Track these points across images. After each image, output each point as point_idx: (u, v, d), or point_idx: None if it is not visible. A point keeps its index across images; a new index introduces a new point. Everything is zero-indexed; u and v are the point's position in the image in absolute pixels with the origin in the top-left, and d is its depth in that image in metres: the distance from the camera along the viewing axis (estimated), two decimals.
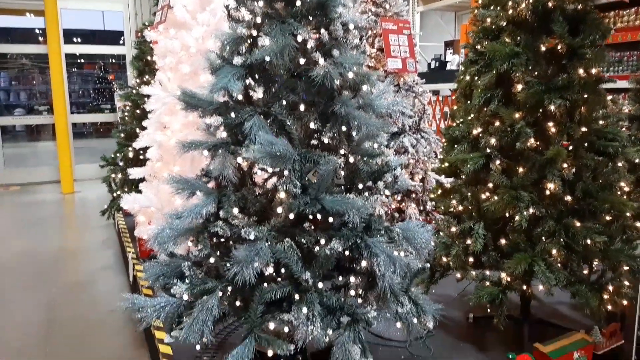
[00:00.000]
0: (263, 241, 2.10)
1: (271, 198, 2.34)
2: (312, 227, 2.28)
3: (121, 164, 5.79)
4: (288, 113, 2.30)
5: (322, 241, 2.19)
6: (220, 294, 2.14)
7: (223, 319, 2.40)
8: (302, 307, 2.08)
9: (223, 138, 2.35)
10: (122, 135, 5.85)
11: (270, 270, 2.13)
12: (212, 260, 2.27)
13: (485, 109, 2.98)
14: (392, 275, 2.22)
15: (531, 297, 3.07)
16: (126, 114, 6.00)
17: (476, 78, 3.05)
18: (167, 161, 3.82)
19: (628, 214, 2.74)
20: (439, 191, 3.55)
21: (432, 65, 9.92)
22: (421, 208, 5.16)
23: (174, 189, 2.28)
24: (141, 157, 4.71)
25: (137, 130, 4.71)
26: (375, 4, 5.08)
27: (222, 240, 2.34)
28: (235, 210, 2.24)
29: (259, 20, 2.31)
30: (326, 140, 2.33)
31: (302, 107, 2.30)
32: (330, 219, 2.21)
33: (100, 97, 14.39)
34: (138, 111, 5.54)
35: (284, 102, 2.31)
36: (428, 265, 3.00)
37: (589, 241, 2.60)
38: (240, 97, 2.31)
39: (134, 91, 5.80)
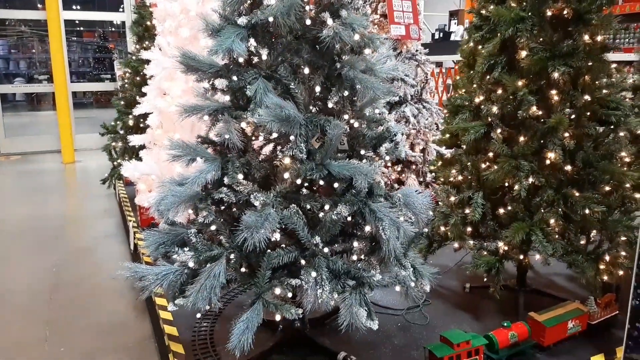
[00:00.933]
0: (269, 207, 2.11)
1: (275, 164, 2.36)
2: (317, 193, 2.31)
3: (121, 132, 5.81)
4: (293, 76, 2.29)
5: (327, 207, 2.21)
6: (226, 260, 2.17)
7: (226, 286, 2.44)
8: (310, 271, 2.12)
9: (225, 102, 2.35)
10: (122, 102, 5.85)
11: (277, 236, 2.16)
12: (214, 227, 2.29)
13: (488, 77, 2.98)
14: (395, 240, 2.26)
15: (528, 267, 3.12)
16: (126, 81, 5.99)
17: (480, 45, 3.03)
18: (168, 128, 3.84)
19: (627, 185, 2.76)
20: (439, 162, 3.58)
21: (436, 36, 9.79)
22: (421, 179, 5.19)
23: (174, 154, 2.26)
24: (141, 124, 4.73)
25: (137, 97, 4.71)
26: None
27: (226, 207, 2.36)
28: (240, 176, 2.26)
29: None
30: (331, 105, 2.34)
31: (306, 70, 2.30)
32: (336, 185, 2.25)
33: (100, 66, 14.33)
34: (138, 78, 5.52)
35: (288, 65, 2.30)
36: (426, 230, 3.05)
37: (587, 211, 2.63)
38: (241, 59, 2.29)
39: (134, 57, 5.77)
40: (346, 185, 2.31)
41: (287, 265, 2.25)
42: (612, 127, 2.78)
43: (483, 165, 3.02)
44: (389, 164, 5.02)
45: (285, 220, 2.15)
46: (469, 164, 3.13)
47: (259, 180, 2.35)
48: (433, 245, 3.32)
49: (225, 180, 2.25)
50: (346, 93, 2.36)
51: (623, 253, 2.71)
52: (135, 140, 4.13)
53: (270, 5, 2.20)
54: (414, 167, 5.10)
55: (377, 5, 4.81)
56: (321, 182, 2.26)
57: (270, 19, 2.19)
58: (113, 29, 14.50)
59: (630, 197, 2.83)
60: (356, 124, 2.45)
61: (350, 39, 2.26)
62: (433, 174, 4.65)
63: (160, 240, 2.30)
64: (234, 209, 2.33)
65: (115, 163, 5.98)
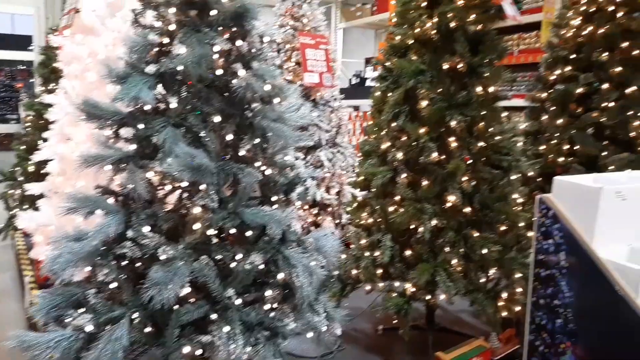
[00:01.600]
0: (178, 260, 2.06)
1: (185, 214, 2.32)
2: (228, 242, 2.31)
3: (21, 178, 5.48)
4: (203, 124, 2.31)
5: (240, 256, 2.21)
6: (129, 321, 2.06)
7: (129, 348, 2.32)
8: (223, 326, 2.08)
9: (130, 151, 2.29)
10: (23, 147, 5.55)
11: (186, 290, 2.10)
12: (115, 285, 2.17)
13: (393, 124, 3.18)
14: (309, 285, 2.28)
15: (435, 307, 3.28)
16: (28, 124, 5.71)
17: (386, 94, 3.24)
18: (70, 176, 3.69)
19: (521, 224, 3.01)
20: (354, 204, 3.72)
21: (353, 81, 10.29)
22: (337, 221, 5.32)
23: (68, 207, 2.14)
24: (42, 171, 4.50)
25: (39, 142, 4.50)
26: (294, 17, 5.23)
27: (129, 262, 2.24)
28: (146, 229, 2.18)
29: (172, 27, 2.30)
30: (242, 153, 2.37)
31: (217, 119, 2.32)
32: (249, 233, 2.26)
33: (5, 106, 13.53)
34: (41, 122, 5.28)
35: (199, 113, 2.32)
36: (337, 272, 3.14)
37: (485, 251, 2.84)
38: (147, 107, 2.26)
39: (37, 100, 5.54)
40: (258, 232, 2.34)
41: (197, 321, 2.18)
42: (504, 171, 3.04)
43: (391, 209, 3.17)
44: (306, 207, 5.14)
45: (196, 273, 2.11)
46: (377, 207, 3.27)
47: (166, 232, 2.28)
48: (346, 289, 3.40)
49: (129, 233, 2.17)
50: (258, 141, 2.41)
51: (519, 289, 2.93)
52: (33, 188, 3.92)
53: (180, 54, 2.22)
54: (329, 209, 5.23)
55: (291, 53, 5.01)
56: (232, 231, 2.26)
57: (180, 68, 2.21)
58: (23, 67, 13.82)
59: (524, 235, 3.08)
60: (268, 171, 2.51)
61: (261, 89, 2.33)
62: (348, 215, 4.80)
63: (53, 303, 2.13)
64: (139, 264, 2.22)
65: (11, 213, 5.60)
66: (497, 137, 3.07)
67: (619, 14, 3.39)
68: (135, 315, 2.08)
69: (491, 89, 3.05)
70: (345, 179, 5.13)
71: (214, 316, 2.15)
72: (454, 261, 2.84)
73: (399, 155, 3.05)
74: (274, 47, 5.06)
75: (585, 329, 2.06)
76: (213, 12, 2.30)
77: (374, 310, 3.08)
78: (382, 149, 3.27)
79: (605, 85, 3.41)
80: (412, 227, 3.05)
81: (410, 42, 3.13)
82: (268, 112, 2.41)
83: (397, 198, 3.13)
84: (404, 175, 3.08)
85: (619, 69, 3.36)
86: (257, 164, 2.44)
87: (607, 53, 3.42)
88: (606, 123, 3.39)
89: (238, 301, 2.20)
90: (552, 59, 3.87)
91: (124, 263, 2.23)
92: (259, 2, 2.41)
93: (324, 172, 5.07)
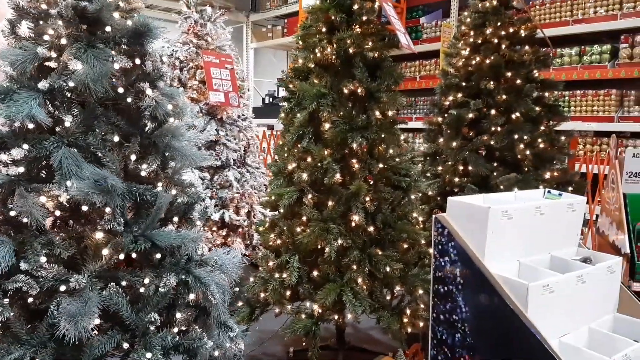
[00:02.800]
0: (87, 290, 2.01)
1: (88, 240, 2.23)
2: (135, 267, 2.28)
3: None
4: (103, 144, 2.26)
5: (147, 280, 2.21)
6: None
7: None
8: (144, 353, 2.06)
9: (19, 174, 2.18)
10: None
11: (97, 321, 2.02)
12: (9, 324, 2.03)
13: (299, 145, 3.32)
14: (222, 303, 2.34)
15: (344, 326, 3.43)
16: None
17: (289, 115, 3.39)
18: None
19: (422, 242, 3.25)
20: (265, 225, 3.80)
21: (266, 100, 10.47)
22: (247, 242, 5.37)
23: None
24: None
25: None
26: (197, 36, 5.28)
27: (24, 297, 2.13)
28: (43, 259, 2.07)
29: (64, 41, 2.23)
30: (144, 173, 2.37)
31: (116, 138, 2.30)
32: (158, 255, 2.26)
33: None
34: None
35: (98, 132, 2.27)
36: (237, 289, 3.19)
37: (388, 268, 3.03)
38: (31, 125, 2.13)
39: None
40: (163, 255, 2.35)
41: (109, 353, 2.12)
42: (404, 190, 3.28)
43: (298, 229, 3.29)
44: (214, 229, 5.13)
45: (107, 302, 2.06)
46: (285, 228, 3.38)
47: (66, 260, 2.17)
48: (255, 313, 3.44)
49: (23, 265, 2.05)
50: (160, 161, 2.44)
51: (422, 305, 3.15)
52: None
53: (77, 70, 2.15)
54: (240, 230, 5.26)
55: (195, 71, 5.04)
56: (133, 255, 2.24)
57: (72, 84, 2.17)
58: None
59: (425, 252, 3.33)
60: (173, 191, 2.53)
61: (167, 108, 2.39)
62: (259, 236, 4.87)
63: None
64: (34, 299, 2.12)
65: None
66: (397, 159, 3.31)
67: (503, 46, 3.80)
68: (38, 354, 1.98)
69: (390, 113, 3.29)
70: (255, 199, 5.20)
71: (126, 345, 2.12)
72: (360, 280, 3.00)
73: (305, 176, 3.18)
74: (177, 65, 5.07)
75: (481, 343, 2.20)
76: (108, 29, 2.30)
77: (284, 333, 3.15)
78: (289, 169, 3.38)
79: (493, 111, 3.77)
80: (319, 247, 3.18)
81: (312, 65, 3.30)
82: (170, 132, 2.44)
83: (304, 218, 3.25)
84: (309, 195, 3.21)
85: (504, 96, 3.75)
86: (159, 184, 2.47)
87: (493, 82, 3.79)
88: (495, 146, 3.75)
89: (153, 327, 2.19)
90: (445, 86, 4.21)
91: (19, 299, 2.12)
92: (160, 16, 2.45)
93: (232, 193, 5.11)
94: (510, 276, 2.17)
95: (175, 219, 2.54)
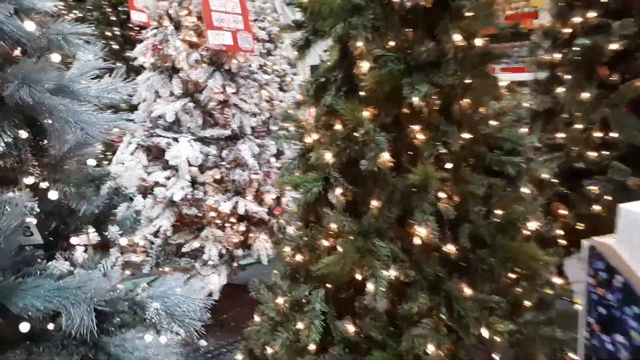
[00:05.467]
0: None
1: None
2: None
3: None
4: None
5: None
6: None
7: None
8: None
9: None
10: None
11: None
12: None
13: (319, 104, 2.10)
14: None
15: None
16: None
17: (305, 53, 2.17)
18: None
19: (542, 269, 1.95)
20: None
21: None
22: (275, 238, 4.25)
23: None
24: None
25: None
26: None
27: None
28: None
29: None
30: None
31: None
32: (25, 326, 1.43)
33: None
34: None
35: None
36: (204, 343, 2.30)
37: (486, 332, 1.75)
38: None
39: None
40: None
41: None
42: (509, 179, 1.96)
43: (325, 242, 2.10)
44: (233, 221, 4.08)
45: None
46: (303, 239, 2.23)
47: None
48: None
49: None
50: (23, 134, 1.48)
51: None
52: None
53: None
54: (270, 223, 4.20)
55: (189, 3, 3.84)
56: None
57: None
58: None
59: (549, 282, 2.05)
60: (53, 195, 1.43)
61: (20, 29, 1.41)
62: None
63: None
64: None
65: None
66: (493, 122, 1.99)
67: None
68: None
69: (479, 40, 1.95)
70: None
71: None
72: (431, 348, 1.75)
73: (329, 155, 1.96)
74: None
75: None
76: None
77: None
78: (307, 143, 2.19)
79: None
80: (356, 277, 1.98)
81: None
82: (37, 76, 1.43)
83: (333, 227, 2.04)
84: (338, 189, 1.99)
85: None
86: (27, 180, 1.51)
87: None
88: None
89: None
90: (565, 2, 2.91)
91: None
92: None
93: (249, 173, 3.97)
94: None
95: (75, 240, 1.63)
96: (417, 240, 1.91)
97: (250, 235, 4.27)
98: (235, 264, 4.10)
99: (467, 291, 1.90)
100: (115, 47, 6.69)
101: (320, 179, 2.14)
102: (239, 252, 4.13)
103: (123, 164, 3.90)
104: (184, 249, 3.83)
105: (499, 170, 1.94)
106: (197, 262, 3.86)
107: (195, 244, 3.86)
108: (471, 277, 1.93)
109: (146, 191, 3.88)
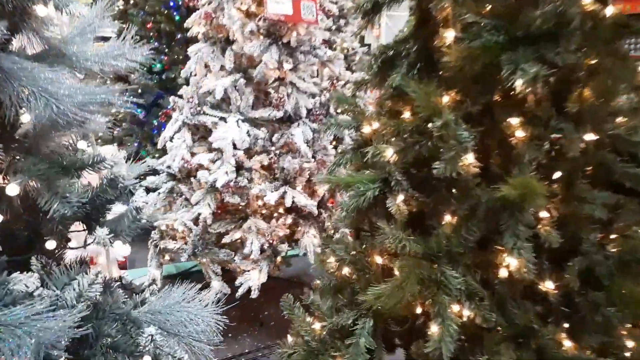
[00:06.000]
0: None
1: None
2: None
3: None
4: None
5: None
6: None
7: None
8: None
9: None
10: None
11: None
12: None
13: (384, 84, 1.64)
14: None
15: None
16: None
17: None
18: None
19: None
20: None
21: None
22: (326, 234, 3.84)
23: None
24: None
25: None
26: None
27: None
28: None
29: None
30: None
31: None
32: None
33: None
34: None
35: None
36: None
37: None
38: None
39: None
40: None
41: None
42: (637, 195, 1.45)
43: (378, 259, 1.68)
44: (281, 211, 3.73)
45: None
46: (351, 252, 1.80)
47: None
48: None
49: None
50: None
51: None
52: None
53: None
54: (321, 217, 3.78)
55: None
56: None
57: None
58: None
59: None
60: (12, 189, 1.11)
61: None
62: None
63: None
64: None
65: None
66: (620, 119, 1.47)
67: None
68: None
69: (609, 10, 1.44)
70: None
71: None
72: None
73: (390, 152, 1.50)
74: None
75: None
76: None
77: None
78: (365, 133, 1.76)
79: None
80: (417, 312, 1.54)
81: None
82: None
83: (389, 244, 1.60)
84: (401, 195, 1.54)
85: None
86: None
87: None
88: None
89: None
90: None
91: None
92: None
93: (301, 161, 3.56)
94: None
95: (51, 246, 1.31)
96: (503, 273, 1.44)
97: (298, 229, 3.88)
98: (278, 259, 3.73)
99: (568, 344, 1.42)
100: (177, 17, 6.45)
101: (378, 180, 1.69)
102: (284, 246, 3.75)
103: (171, 141, 3.62)
104: (225, 240, 3.49)
105: (629, 188, 1.43)
106: (238, 255, 3.52)
107: (237, 235, 3.50)
108: (575, 327, 1.44)
109: (189, 174, 3.58)
